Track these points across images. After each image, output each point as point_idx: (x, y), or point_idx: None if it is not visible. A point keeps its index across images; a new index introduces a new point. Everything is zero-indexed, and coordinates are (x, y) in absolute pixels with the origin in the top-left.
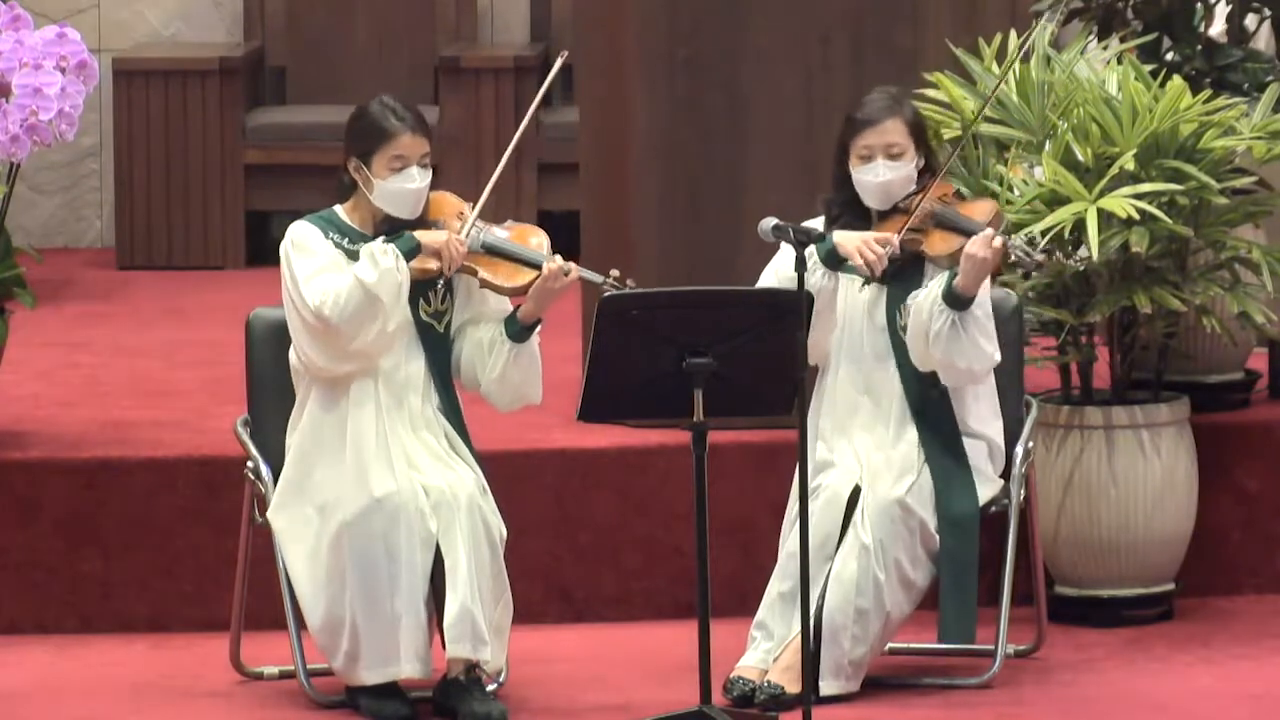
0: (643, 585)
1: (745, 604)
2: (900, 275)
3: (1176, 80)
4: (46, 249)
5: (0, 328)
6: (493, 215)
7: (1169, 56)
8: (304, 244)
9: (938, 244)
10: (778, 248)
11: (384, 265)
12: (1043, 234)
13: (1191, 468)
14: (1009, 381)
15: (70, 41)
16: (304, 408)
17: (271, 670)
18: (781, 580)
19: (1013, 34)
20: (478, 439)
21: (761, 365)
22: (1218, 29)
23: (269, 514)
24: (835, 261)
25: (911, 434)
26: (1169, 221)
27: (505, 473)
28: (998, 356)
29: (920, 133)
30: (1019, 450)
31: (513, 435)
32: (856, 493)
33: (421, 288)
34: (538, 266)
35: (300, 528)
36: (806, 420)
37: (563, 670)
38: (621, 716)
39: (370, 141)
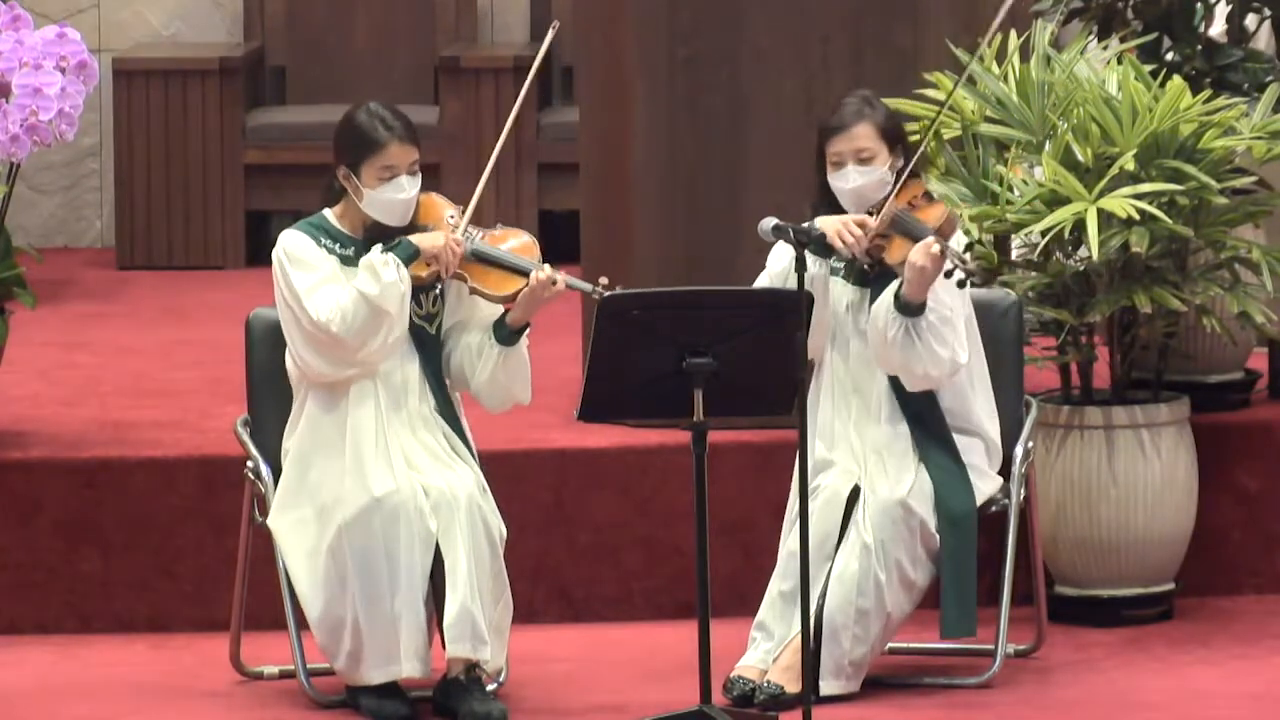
0: (642, 585)
1: (745, 604)
2: (883, 277)
3: (1176, 80)
4: (46, 249)
5: (0, 327)
6: (491, 215)
7: (1169, 56)
8: (299, 256)
9: (896, 251)
10: None
11: (386, 279)
12: (1043, 234)
13: (1191, 467)
14: (1009, 381)
15: (70, 41)
16: (302, 412)
17: (271, 670)
18: (782, 580)
19: (1013, 34)
20: (477, 439)
21: (761, 365)
22: (1218, 29)
23: (269, 519)
24: (824, 249)
25: (905, 432)
26: (1169, 221)
27: (505, 472)
28: (961, 359)
29: (895, 135)
30: (1019, 450)
31: (512, 435)
32: (856, 492)
33: (416, 291)
34: (527, 274)
35: (300, 528)
36: (806, 420)
37: (562, 670)
38: (621, 716)
39: (359, 151)
